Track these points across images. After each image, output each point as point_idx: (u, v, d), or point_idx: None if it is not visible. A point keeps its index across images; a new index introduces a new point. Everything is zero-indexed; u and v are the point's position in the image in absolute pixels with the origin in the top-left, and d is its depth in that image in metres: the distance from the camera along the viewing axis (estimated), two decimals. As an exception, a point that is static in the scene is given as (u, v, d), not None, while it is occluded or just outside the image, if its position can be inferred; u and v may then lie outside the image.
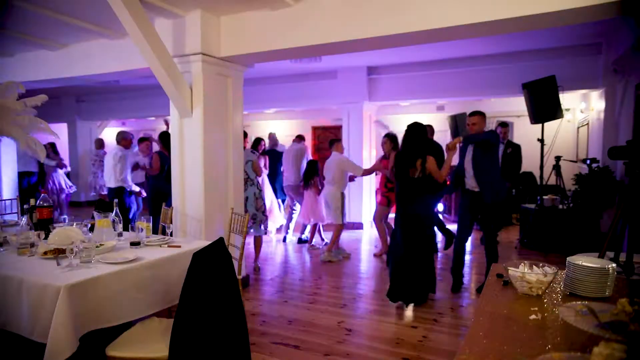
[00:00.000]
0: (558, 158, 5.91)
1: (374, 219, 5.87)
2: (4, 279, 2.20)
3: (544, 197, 5.92)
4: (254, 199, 5.08)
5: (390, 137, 5.45)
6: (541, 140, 5.72)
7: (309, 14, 3.67)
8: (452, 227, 7.71)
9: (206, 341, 1.97)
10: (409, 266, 3.83)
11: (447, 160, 3.97)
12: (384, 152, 5.54)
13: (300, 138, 7.39)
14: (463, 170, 4.27)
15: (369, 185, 8.08)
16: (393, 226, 4.28)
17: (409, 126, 3.98)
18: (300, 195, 6.44)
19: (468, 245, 5.38)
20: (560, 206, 5.93)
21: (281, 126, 11.55)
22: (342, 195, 5.63)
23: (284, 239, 6.82)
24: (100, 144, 8.86)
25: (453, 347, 3.12)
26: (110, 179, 5.78)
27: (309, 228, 6.47)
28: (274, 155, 7.64)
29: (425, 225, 3.92)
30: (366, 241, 6.90)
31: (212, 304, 2.00)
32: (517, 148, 6.36)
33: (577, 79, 6.54)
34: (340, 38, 3.57)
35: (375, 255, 5.89)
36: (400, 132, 4.33)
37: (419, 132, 3.93)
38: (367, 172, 5.82)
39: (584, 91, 7.33)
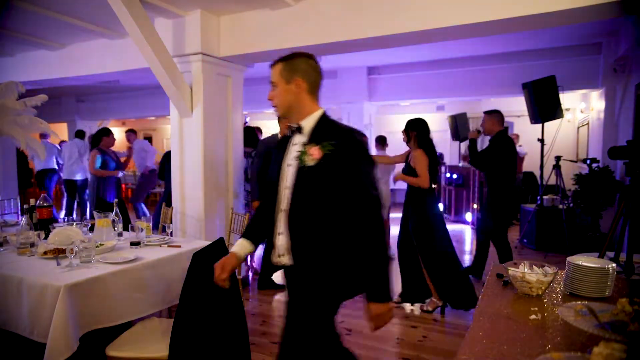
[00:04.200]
0: (558, 158, 5.89)
1: None
2: (4, 279, 2.20)
3: (544, 197, 5.92)
4: None
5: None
6: (541, 140, 5.71)
7: (309, 14, 3.67)
8: (452, 227, 7.74)
9: (206, 341, 1.97)
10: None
11: None
12: None
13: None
14: None
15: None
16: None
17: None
18: None
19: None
20: (560, 206, 5.93)
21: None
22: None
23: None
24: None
25: (453, 347, 3.11)
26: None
27: None
28: None
29: None
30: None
31: (212, 304, 2.00)
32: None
33: (577, 79, 6.53)
34: (340, 38, 3.57)
35: None
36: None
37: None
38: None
39: (584, 91, 7.32)
